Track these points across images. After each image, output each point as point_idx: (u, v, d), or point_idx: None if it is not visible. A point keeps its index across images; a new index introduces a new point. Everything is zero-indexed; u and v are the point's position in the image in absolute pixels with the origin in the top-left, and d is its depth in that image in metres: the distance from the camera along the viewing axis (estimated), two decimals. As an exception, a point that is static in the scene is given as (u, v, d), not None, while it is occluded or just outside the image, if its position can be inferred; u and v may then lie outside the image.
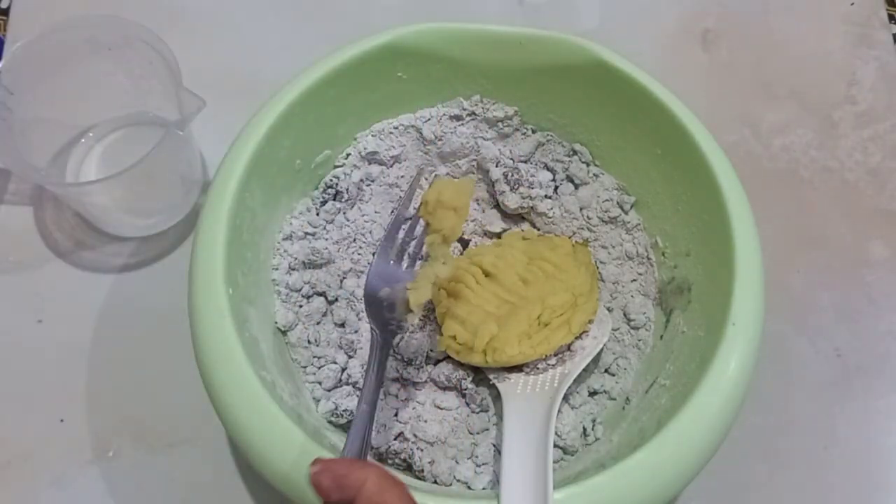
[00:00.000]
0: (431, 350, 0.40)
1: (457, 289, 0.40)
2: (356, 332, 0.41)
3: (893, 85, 0.55)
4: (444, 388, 0.39)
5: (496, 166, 0.44)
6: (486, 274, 0.41)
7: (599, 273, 0.43)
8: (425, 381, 0.40)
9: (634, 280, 0.42)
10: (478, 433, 0.38)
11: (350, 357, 0.40)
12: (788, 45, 0.56)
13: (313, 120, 0.40)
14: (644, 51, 0.55)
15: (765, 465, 0.42)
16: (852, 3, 0.58)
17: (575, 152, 0.45)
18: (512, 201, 0.43)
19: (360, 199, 0.44)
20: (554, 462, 0.37)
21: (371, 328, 0.36)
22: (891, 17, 0.58)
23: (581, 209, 0.44)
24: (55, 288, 0.45)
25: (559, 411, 0.36)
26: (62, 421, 0.42)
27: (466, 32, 0.42)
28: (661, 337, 0.40)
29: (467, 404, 0.39)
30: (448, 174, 0.46)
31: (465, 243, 0.45)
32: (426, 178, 0.45)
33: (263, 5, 0.56)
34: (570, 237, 0.44)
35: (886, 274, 0.48)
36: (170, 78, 0.41)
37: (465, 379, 0.39)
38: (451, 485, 0.36)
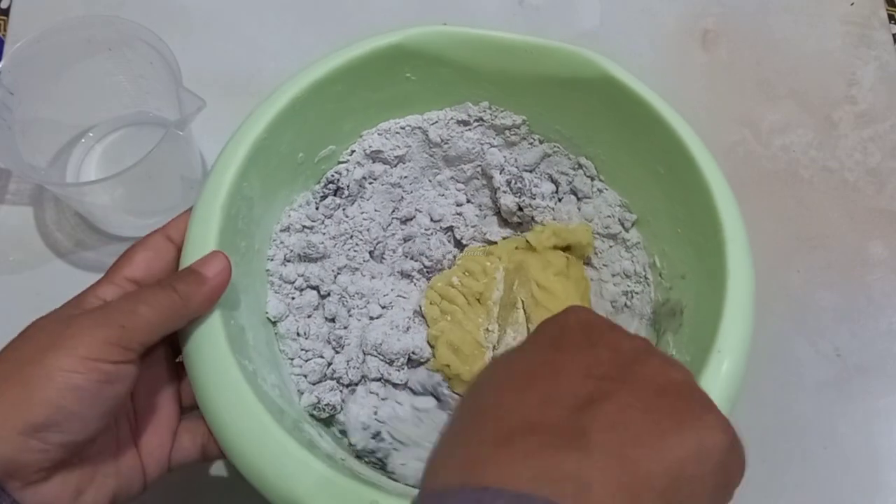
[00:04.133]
0: (413, 353, 0.40)
1: (450, 309, 0.41)
2: (345, 328, 0.41)
3: (893, 85, 0.55)
4: (419, 394, 0.40)
5: (500, 173, 0.44)
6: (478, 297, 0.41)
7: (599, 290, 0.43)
8: (405, 384, 0.40)
9: (630, 298, 0.42)
10: None
11: (337, 352, 0.40)
12: (788, 45, 0.56)
13: (318, 114, 0.40)
14: (644, 51, 0.55)
15: (765, 465, 0.42)
16: (852, 3, 0.58)
17: (580, 166, 0.44)
18: (509, 201, 0.43)
19: (360, 197, 0.44)
20: None
21: None
22: (891, 17, 0.58)
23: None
24: (55, 288, 0.45)
25: None
26: (62, 421, 0.42)
27: (475, 37, 0.41)
28: None
29: (443, 409, 0.39)
30: (452, 178, 0.46)
31: (461, 247, 0.45)
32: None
33: (263, 6, 0.56)
34: (565, 249, 0.43)
35: (886, 274, 0.48)
36: (170, 78, 0.41)
37: (441, 385, 0.39)
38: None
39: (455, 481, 0.21)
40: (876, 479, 0.42)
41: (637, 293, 0.42)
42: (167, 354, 0.34)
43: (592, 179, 0.44)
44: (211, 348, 0.31)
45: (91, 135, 0.48)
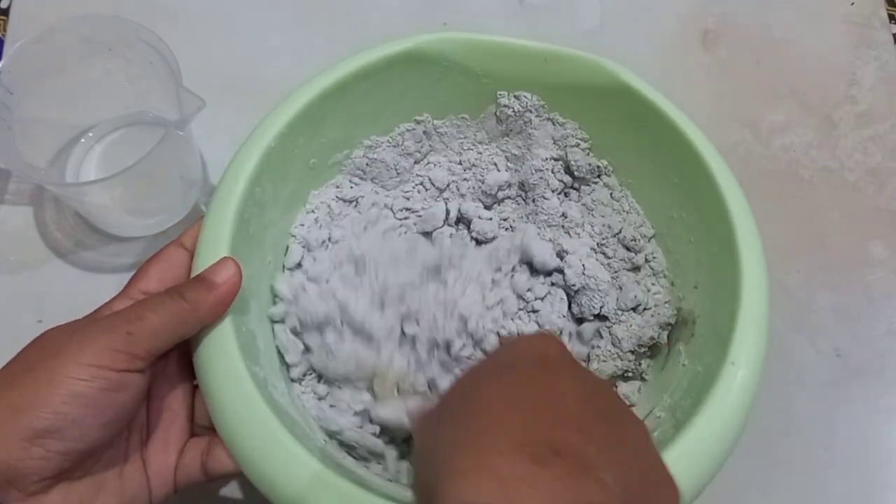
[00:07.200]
0: None
1: None
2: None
3: (893, 85, 0.55)
4: None
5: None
6: None
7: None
8: None
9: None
10: None
11: None
12: (788, 45, 0.56)
13: (333, 119, 0.40)
14: (644, 51, 0.55)
15: (765, 465, 0.42)
16: (852, 3, 0.58)
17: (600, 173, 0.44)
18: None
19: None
20: None
21: None
22: (891, 17, 0.58)
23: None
24: (55, 288, 0.45)
25: None
26: (62, 421, 0.41)
27: (490, 44, 0.41)
28: (662, 368, 0.39)
29: None
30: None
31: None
32: None
33: (264, 6, 0.56)
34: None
35: (886, 274, 0.48)
36: (170, 78, 0.41)
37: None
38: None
39: (490, 498, 0.19)
40: (876, 479, 0.42)
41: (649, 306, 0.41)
42: (185, 371, 0.34)
43: (612, 191, 0.44)
44: (222, 357, 0.31)
45: (91, 135, 0.48)
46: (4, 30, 0.53)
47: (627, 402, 0.39)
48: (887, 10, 0.58)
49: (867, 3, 0.58)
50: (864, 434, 0.43)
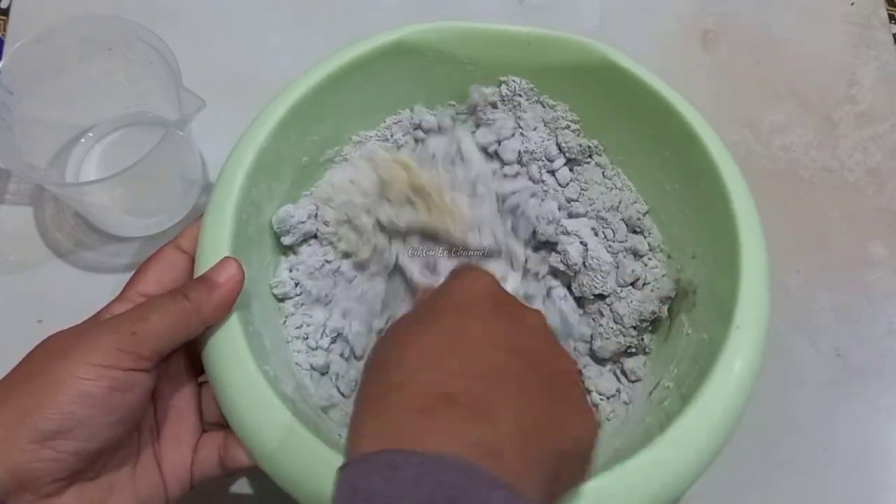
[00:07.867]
0: None
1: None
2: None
3: (893, 85, 0.55)
4: None
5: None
6: None
7: None
8: None
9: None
10: None
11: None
12: (788, 45, 0.56)
13: (322, 116, 0.40)
14: (644, 51, 0.55)
15: (765, 465, 0.42)
16: (852, 3, 0.58)
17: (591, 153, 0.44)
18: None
19: None
20: None
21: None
22: (891, 17, 0.58)
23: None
24: (55, 288, 0.45)
25: None
26: (62, 421, 0.41)
27: (475, 31, 0.42)
28: (666, 339, 0.39)
29: None
30: None
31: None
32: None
33: (263, 5, 0.56)
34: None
35: (886, 274, 0.48)
36: (170, 78, 0.41)
37: None
38: None
39: (377, 448, 0.21)
40: (876, 479, 0.42)
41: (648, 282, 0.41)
42: (189, 370, 0.34)
43: (604, 171, 0.44)
44: (233, 357, 0.31)
45: (91, 135, 0.48)
46: (4, 30, 0.53)
47: (634, 377, 0.39)
48: (887, 10, 0.58)
49: (867, 3, 0.58)
50: (864, 434, 0.43)
